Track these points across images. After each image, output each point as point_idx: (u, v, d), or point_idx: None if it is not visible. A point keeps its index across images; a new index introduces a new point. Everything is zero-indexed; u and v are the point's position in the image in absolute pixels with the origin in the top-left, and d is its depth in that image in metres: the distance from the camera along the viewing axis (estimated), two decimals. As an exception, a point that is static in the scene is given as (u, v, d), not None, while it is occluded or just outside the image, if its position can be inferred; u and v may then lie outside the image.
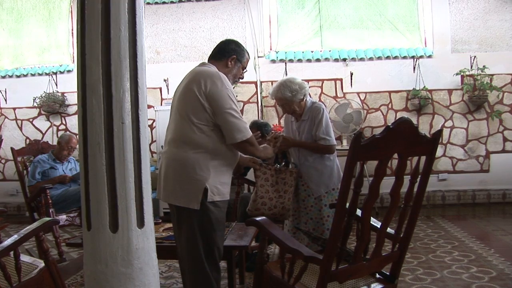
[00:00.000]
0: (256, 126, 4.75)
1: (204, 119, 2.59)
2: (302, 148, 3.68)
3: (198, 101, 2.57)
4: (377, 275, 2.41)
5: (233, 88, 2.86)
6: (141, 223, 1.76)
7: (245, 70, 2.97)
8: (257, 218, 2.47)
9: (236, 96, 2.90)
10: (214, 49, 2.90)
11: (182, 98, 2.67)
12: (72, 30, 7.86)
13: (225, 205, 2.73)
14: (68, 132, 7.27)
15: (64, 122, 7.80)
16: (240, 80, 3.04)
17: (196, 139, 2.59)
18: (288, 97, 3.59)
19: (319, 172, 3.65)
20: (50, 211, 4.48)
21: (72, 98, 7.61)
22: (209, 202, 2.60)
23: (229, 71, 2.83)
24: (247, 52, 2.96)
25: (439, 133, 2.15)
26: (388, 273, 2.38)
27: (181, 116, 2.64)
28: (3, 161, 7.96)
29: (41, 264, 2.75)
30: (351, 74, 7.27)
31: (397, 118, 2.25)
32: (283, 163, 3.70)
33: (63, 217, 4.83)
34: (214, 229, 2.63)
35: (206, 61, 2.86)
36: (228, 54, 2.83)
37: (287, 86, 3.59)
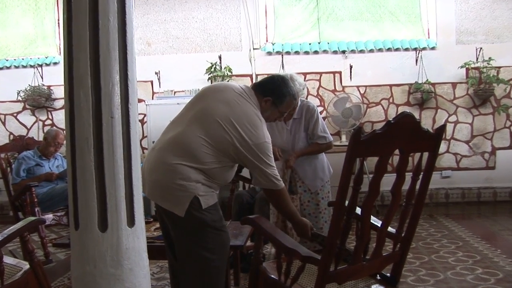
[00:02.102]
0: None
1: (226, 155, 2.60)
2: (306, 155, 3.83)
3: (232, 142, 2.55)
4: (378, 276, 2.43)
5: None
6: (131, 221, 1.77)
7: (284, 114, 2.90)
8: (253, 217, 2.48)
9: None
10: (264, 78, 2.89)
11: (211, 122, 2.58)
12: (59, 20, 7.82)
13: (218, 206, 2.73)
14: (54, 127, 7.23)
15: (50, 116, 7.77)
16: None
17: (199, 158, 2.55)
18: (298, 91, 3.64)
19: (312, 167, 3.86)
20: (36, 210, 4.46)
21: (59, 92, 7.57)
22: (204, 209, 2.58)
23: (263, 112, 2.74)
24: (292, 96, 2.83)
25: (443, 128, 2.16)
26: (389, 274, 2.39)
27: (198, 130, 2.58)
28: (-14, 157, 7.93)
29: (25, 266, 2.73)
30: (351, 66, 7.27)
31: (398, 113, 2.25)
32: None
33: (49, 216, 4.82)
34: (216, 227, 2.63)
35: (251, 86, 2.82)
36: (265, 94, 2.75)
37: (296, 80, 3.75)
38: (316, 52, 7.39)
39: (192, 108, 2.70)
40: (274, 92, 2.75)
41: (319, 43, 7.47)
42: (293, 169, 3.82)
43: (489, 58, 6.82)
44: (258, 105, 2.71)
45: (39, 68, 7.72)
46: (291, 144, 3.84)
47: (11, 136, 7.61)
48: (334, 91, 7.32)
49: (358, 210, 2.12)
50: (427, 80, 7.06)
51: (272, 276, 2.39)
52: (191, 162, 2.54)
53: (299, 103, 3.79)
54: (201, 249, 2.58)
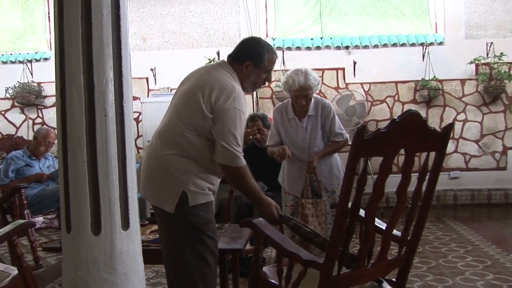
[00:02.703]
0: (260, 118, 4.81)
1: (201, 129, 2.58)
2: (327, 155, 3.87)
3: (201, 109, 2.54)
4: (383, 281, 2.43)
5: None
6: (126, 224, 1.77)
7: (268, 74, 2.82)
8: (252, 219, 2.48)
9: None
10: (235, 47, 2.82)
11: (185, 100, 2.64)
12: (49, 13, 7.83)
13: (210, 207, 2.71)
14: (45, 126, 7.23)
15: (40, 115, 7.78)
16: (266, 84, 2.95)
17: (184, 144, 2.58)
18: (314, 86, 3.73)
19: (328, 165, 3.89)
20: (25, 212, 4.47)
21: (50, 89, 7.59)
22: (191, 207, 2.59)
23: (247, 79, 2.73)
24: (269, 51, 2.77)
25: (450, 126, 2.16)
26: (394, 279, 2.40)
27: (178, 116, 2.63)
28: (-27, 158, 7.94)
29: (14, 271, 2.72)
30: (354, 63, 7.28)
31: (404, 111, 2.26)
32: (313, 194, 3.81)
33: (39, 219, 4.82)
34: (203, 231, 2.63)
35: (226, 59, 2.79)
36: (242, 60, 2.72)
37: (311, 74, 3.73)
38: (318, 48, 7.40)
39: (173, 98, 2.78)
40: (250, 54, 2.72)
41: (321, 38, 7.49)
42: (315, 171, 3.81)
43: (501, 53, 6.83)
44: (235, 75, 2.70)
45: (29, 64, 7.73)
46: (308, 142, 3.83)
47: (-1, 135, 7.62)
48: (337, 88, 7.33)
49: (362, 213, 2.13)
50: (435, 76, 7.07)
51: (273, 281, 2.39)
52: (179, 150, 2.58)
53: (312, 100, 3.82)
54: (186, 252, 2.60)
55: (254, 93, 7.36)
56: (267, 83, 2.92)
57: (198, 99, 2.54)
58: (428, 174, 2.15)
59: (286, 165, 3.90)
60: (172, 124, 2.64)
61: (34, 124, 7.74)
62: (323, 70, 7.34)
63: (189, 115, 2.59)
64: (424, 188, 2.17)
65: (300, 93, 3.71)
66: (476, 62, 6.96)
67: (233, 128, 2.53)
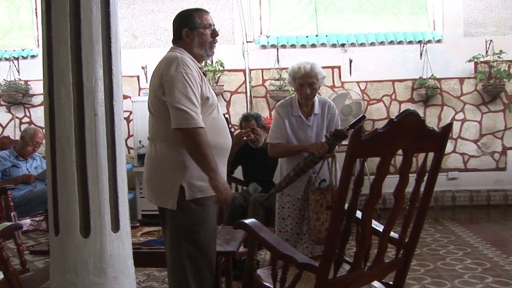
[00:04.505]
0: (254, 117, 4.79)
1: (166, 113, 2.61)
2: None
3: (159, 94, 2.60)
4: (380, 284, 2.44)
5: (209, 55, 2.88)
6: (116, 226, 1.77)
7: (210, 28, 2.83)
8: (246, 221, 2.49)
9: (213, 83, 2.89)
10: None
11: (150, 91, 2.72)
12: (36, 9, 7.81)
13: (210, 202, 2.72)
14: (32, 125, 7.20)
15: (28, 114, 7.75)
16: (214, 55, 3.01)
17: (167, 134, 2.62)
18: (319, 76, 3.73)
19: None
20: (12, 215, 4.45)
21: (37, 87, 7.56)
22: (190, 201, 2.62)
23: (193, 45, 2.78)
24: (195, 10, 2.87)
25: (449, 126, 2.17)
26: (391, 282, 2.41)
27: (152, 110, 2.71)
28: (-42, 158, 7.89)
29: (-1, 275, 2.73)
30: (350, 61, 7.30)
31: (401, 110, 2.26)
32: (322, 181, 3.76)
33: (27, 222, 4.80)
34: (196, 230, 2.65)
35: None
36: (179, 32, 2.81)
37: (318, 66, 3.75)
38: (313, 46, 7.41)
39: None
40: (182, 24, 2.80)
41: (316, 35, 7.50)
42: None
43: (500, 51, 6.85)
44: (183, 50, 2.75)
45: (15, 61, 7.70)
46: (313, 141, 3.81)
47: (-15, 135, 7.58)
48: (332, 87, 7.34)
49: (359, 214, 2.13)
50: (432, 75, 7.09)
51: (267, 284, 2.40)
52: (166, 143, 2.64)
53: (318, 98, 3.85)
54: (183, 250, 2.65)
55: (248, 91, 7.36)
56: (217, 39, 2.89)
57: (155, 87, 2.62)
58: (426, 175, 2.15)
59: (285, 165, 3.85)
60: (151, 120, 2.73)
61: (21, 123, 7.71)
62: (318, 68, 7.33)
63: (155, 106, 2.65)
64: (422, 189, 2.18)
65: (305, 80, 3.70)
66: (475, 60, 6.98)
67: (183, 90, 2.53)
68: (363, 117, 3.48)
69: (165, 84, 2.55)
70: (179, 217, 2.64)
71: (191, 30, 2.77)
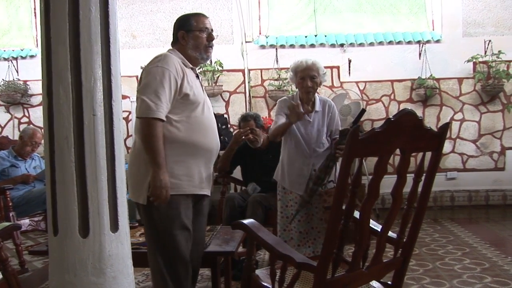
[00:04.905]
0: (253, 118, 4.78)
1: None
2: None
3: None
4: (378, 284, 2.44)
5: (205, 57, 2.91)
6: (114, 226, 1.77)
7: (206, 32, 2.86)
8: (245, 221, 2.49)
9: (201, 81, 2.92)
10: None
11: None
12: (35, 9, 7.80)
13: (182, 201, 2.74)
14: (31, 125, 7.19)
15: (27, 114, 7.75)
16: (211, 51, 2.96)
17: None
18: (321, 71, 3.80)
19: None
20: (10, 215, 4.45)
21: (36, 87, 7.56)
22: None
23: (188, 47, 2.83)
24: (193, 14, 2.92)
25: (447, 126, 2.17)
26: (390, 282, 2.41)
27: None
28: (-43, 158, 7.89)
29: (-3, 276, 2.73)
30: (349, 61, 7.30)
31: (400, 110, 2.27)
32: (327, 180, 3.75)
33: (25, 222, 4.80)
34: (166, 227, 2.69)
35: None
36: (175, 35, 2.88)
37: (320, 63, 3.84)
38: (312, 46, 7.42)
39: None
40: (179, 27, 2.86)
41: (315, 36, 7.50)
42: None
43: (499, 51, 6.85)
44: (177, 51, 2.82)
45: (14, 61, 7.69)
46: (314, 138, 3.82)
47: (-16, 135, 7.58)
48: (331, 87, 7.34)
49: (357, 214, 2.14)
50: (431, 75, 7.09)
51: (265, 284, 2.40)
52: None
53: (319, 97, 3.89)
54: (151, 248, 2.77)
55: (247, 91, 7.36)
56: (213, 43, 2.92)
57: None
58: (424, 174, 2.16)
59: (287, 162, 3.84)
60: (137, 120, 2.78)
61: (20, 123, 7.71)
62: (317, 68, 7.34)
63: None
64: (420, 189, 2.19)
65: (306, 73, 3.75)
66: (474, 60, 6.99)
67: (152, 83, 2.60)
68: (363, 110, 3.49)
69: (142, 75, 2.67)
70: (149, 212, 2.70)
71: (186, 33, 2.83)
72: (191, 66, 2.84)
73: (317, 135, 3.79)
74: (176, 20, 2.92)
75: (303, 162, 3.77)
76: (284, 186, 3.84)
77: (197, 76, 2.90)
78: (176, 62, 2.70)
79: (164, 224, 2.70)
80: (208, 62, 7.01)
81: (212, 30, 2.89)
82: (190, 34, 2.82)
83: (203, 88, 2.96)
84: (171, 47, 2.89)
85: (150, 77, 2.60)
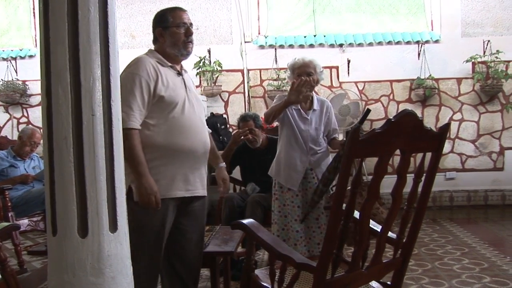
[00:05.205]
0: (252, 118, 4.77)
1: None
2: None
3: None
4: (378, 284, 2.44)
5: (187, 52, 2.84)
6: (114, 227, 1.76)
7: (184, 27, 2.79)
8: (244, 221, 2.48)
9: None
10: None
11: None
12: (34, 9, 7.80)
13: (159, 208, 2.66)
14: (30, 125, 7.19)
15: (25, 114, 7.75)
16: (192, 45, 2.88)
17: None
18: (318, 68, 3.83)
19: (322, 158, 3.90)
20: (9, 215, 4.45)
21: (35, 87, 7.56)
22: (136, 202, 2.60)
23: (166, 45, 2.80)
24: (170, 9, 2.85)
25: (447, 127, 2.17)
26: (389, 282, 2.41)
27: None
28: (-45, 158, 7.88)
29: (-3, 276, 2.72)
30: (348, 61, 7.31)
31: (399, 110, 2.27)
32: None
33: (24, 222, 4.79)
34: (140, 233, 2.61)
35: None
36: (154, 33, 2.86)
37: (317, 61, 3.86)
38: (311, 46, 7.42)
39: None
40: (155, 23, 2.85)
41: (314, 36, 7.50)
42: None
43: (497, 51, 6.86)
44: (154, 52, 2.83)
45: (13, 61, 7.69)
46: (312, 135, 3.83)
47: (-17, 135, 7.57)
48: (330, 87, 7.35)
49: (356, 214, 2.13)
50: (430, 75, 7.10)
51: (265, 284, 2.40)
52: None
53: (317, 96, 3.94)
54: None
55: (246, 91, 7.36)
56: (192, 38, 2.84)
57: None
58: (424, 175, 2.15)
59: (284, 156, 3.85)
60: None
61: (19, 123, 7.70)
62: (316, 68, 7.34)
63: None
64: (419, 189, 2.18)
65: (303, 70, 3.77)
66: (473, 60, 6.99)
67: (123, 92, 2.49)
68: (369, 110, 3.51)
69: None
70: (127, 216, 2.65)
71: (163, 30, 2.80)
72: (170, 64, 2.78)
73: (314, 133, 3.82)
74: (154, 17, 2.88)
75: (299, 159, 3.78)
76: (280, 183, 3.85)
77: (179, 74, 2.83)
78: (148, 65, 2.66)
79: (137, 230, 2.56)
80: (207, 62, 7.03)
81: (191, 24, 2.82)
82: (167, 31, 2.78)
83: (187, 85, 2.86)
84: (153, 48, 2.87)
85: (124, 84, 2.50)
